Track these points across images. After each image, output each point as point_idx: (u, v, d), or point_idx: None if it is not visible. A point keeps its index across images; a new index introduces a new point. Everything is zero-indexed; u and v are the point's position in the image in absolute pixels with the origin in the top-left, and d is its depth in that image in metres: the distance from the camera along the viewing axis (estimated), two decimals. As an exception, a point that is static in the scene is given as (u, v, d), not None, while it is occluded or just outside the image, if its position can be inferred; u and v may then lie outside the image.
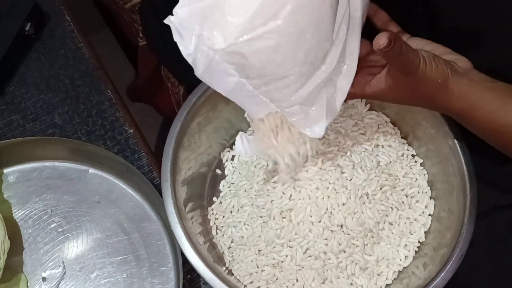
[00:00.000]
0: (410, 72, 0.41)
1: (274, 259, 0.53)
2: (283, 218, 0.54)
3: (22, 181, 0.55)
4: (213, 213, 0.58)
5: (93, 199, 0.54)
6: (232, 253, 0.55)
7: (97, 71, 0.64)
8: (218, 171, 0.61)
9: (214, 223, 0.57)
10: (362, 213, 0.54)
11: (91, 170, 0.55)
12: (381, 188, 0.55)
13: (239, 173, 0.60)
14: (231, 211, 0.57)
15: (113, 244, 0.52)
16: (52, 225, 0.53)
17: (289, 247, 0.53)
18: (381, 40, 0.38)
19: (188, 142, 0.55)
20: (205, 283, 0.50)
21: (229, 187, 0.59)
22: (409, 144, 0.59)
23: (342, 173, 0.55)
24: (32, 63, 0.64)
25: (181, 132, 0.53)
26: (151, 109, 0.91)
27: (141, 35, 0.86)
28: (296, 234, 0.53)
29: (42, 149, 0.56)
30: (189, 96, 0.55)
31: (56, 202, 0.54)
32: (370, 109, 0.61)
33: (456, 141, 0.52)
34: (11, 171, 0.56)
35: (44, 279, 0.51)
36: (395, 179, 0.56)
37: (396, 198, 0.55)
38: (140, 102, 0.92)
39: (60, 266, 0.51)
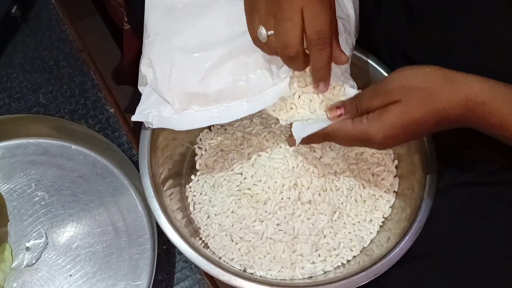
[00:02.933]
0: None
1: (246, 234, 0.56)
2: (256, 193, 0.57)
3: (7, 157, 0.58)
4: (190, 191, 0.61)
5: (75, 174, 0.57)
6: (207, 227, 0.58)
7: (80, 53, 0.66)
8: (197, 151, 0.64)
9: (192, 200, 0.60)
10: (331, 190, 0.57)
11: (74, 147, 0.58)
12: (348, 167, 0.58)
13: (215, 153, 0.63)
14: (207, 189, 0.60)
15: (93, 217, 0.55)
16: (36, 199, 0.56)
17: (261, 221, 0.56)
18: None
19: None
20: (180, 253, 0.53)
21: (206, 165, 0.62)
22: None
23: (313, 152, 0.58)
24: (18, 44, 0.66)
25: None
26: (137, 92, 0.93)
27: (126, 19, 0.88)
28: (266, 211, 0.56)
29: (26, 127, 0.58)
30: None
31: (39, 176, 0.57)
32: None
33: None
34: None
35: (27, 248, 0.53)
36: (363, 159, 0.60)
37: (363, 176, 0.58)
38: (125, 85, 0.94)
39: (43, 236, 0.54)
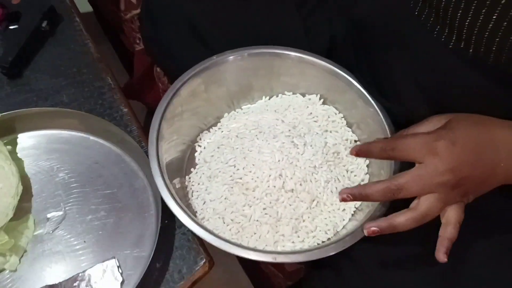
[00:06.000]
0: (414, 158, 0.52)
1: (236, 217, 0.65)
2: (246, 182, 0.66)
3: (33, 144, 0.67)
4: (189, 181, 0.70)
5: (91, 160, 0.66)
6: (203, 211, 0.67)
7: (99, 63, 0.77)
8: (197, 148, 0.73)
9: (190, 189, 0.69)
10: (310, 181, 0.66)
11: (91, 138, 0.68)
12: (326, 163, 0.68)
13: (213, 150, 0.72)
14: (204, 179, 0.70)
15: (106, 195, 0.64)
16: (57, 179, 0.65)
17: (249, 206, 0.65)
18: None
19: (171, 119, 0.67)
20: (180, 226, 0.62)
21: (204, 160, 0.72)
22: (353, 132, 0.73)
23: (296, 148, 0.68)
24: (46, 53, 0.77)
25: (166, 109, 0.66)
26: (143, 107, 1.04)
27: (137, 41, 0.99)
28: (254, 197, 0.65)
29: (51, 119, 0.68)
30: (174, 82, 0.68)
31: (61, 162, 0.66)
32: (323, 103, 0.75)
33: (389, 134, 0.65)
34: (25, 136, 0.68)
35: (48, 219, 0.62)
36: (339, 157, 0.69)
37: (338, 171, 0.68)
38: (133, 100, 1.05)
39: (61, 210, 0.63)
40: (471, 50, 0.53)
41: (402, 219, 0.52)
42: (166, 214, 0.60)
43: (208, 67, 0.70)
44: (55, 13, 0.79)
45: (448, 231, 0.51)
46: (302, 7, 0.73)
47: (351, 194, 0.54)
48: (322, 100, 0.74)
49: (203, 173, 0.70)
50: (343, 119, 0.74)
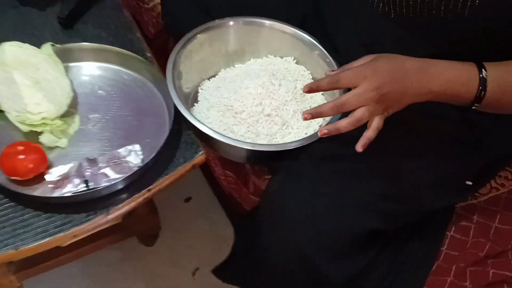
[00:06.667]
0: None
1: (227, 133, 0.88)
2: (236, 107, 0.90)
3: (82, 71, 0.91)
4: (193, 111, 0.94)
5: (123, 84, 0.90)
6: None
7: (132, 23, 1.02)
8: (199, 90, 0.97)
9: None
10: (282, 110, 0.90)
11: (123, 69, 0.92)
12: (295, 99, 0.92)
13: (211, 90, 0.96)
14: (205, 110, 0.93)
15: (133, 107, 0.88)
16: (96, 94, 0.89)
17: (237, 125, 0.88)
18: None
19: (184, 59, 0.92)
20: (185, 130, 0.85)
21: (204, 97, 0.95)
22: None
23: (274, 86, 0.92)
24: (93, 12, 1.02)
25: (181, 49, 0.91)
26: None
27: (157, 24, 1.25)
28: (241, 119, 0.89)
29: (95, 54, 0.92)
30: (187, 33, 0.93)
31: (100, 83, 0.90)
32: (296, 63, 1.00)
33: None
34: (75, 65, 0.92)
35: (89, 118, 0.85)
36: (304, 97, 0.94)
37: (303, 106, 0.92)
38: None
39: (99, 113, 0.86)
40: (392, 11, 0.79)
41: (343, 123, 0.76)
42: (176, 120, 0.84)
43: (213, 27, 0.95)
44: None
45: (369, 133, 0.75)
46: None
47: (310, 113, 0.77)
48: (295, 60, 1.00)
49: (204, 106, 0.94)
50: (310, 74, 0.98)
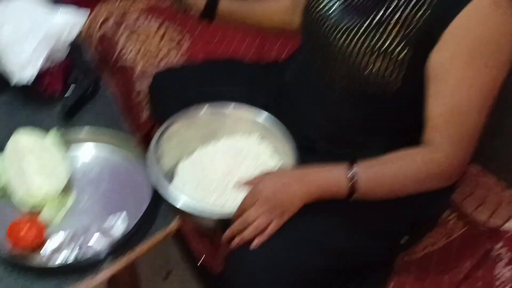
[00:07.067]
0: None
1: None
2: (208, 179, 1.06)
3: (79, 151, 1.10)
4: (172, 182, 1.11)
5: (112, 161, 1.08)
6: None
7: (121, 115, 1.22)
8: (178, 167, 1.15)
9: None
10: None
11: (114, 147, 1.10)
12: (257, 168, 1.08)
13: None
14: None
15: (120, 181, 1.05)
16: (90, 171, 1.06)
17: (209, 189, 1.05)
18: None
19: (164, 141, 1.10)
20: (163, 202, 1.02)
21: (181, 172, 1.12)
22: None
23: (239, 160, 1.09)
24: (90, 105, 1.22)
25: (162, 134, 1.09)
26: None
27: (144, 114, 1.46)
28: (212, 184, 1.06)
29: (91, 135, 1.11)
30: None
31: (96, 161, 1.08)
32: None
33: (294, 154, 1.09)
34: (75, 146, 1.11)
35: (83, 191, 1.02)
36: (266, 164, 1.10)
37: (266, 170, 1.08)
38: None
39: (91, 187, 1.03)
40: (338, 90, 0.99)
41: (246, 233, 0.92)
42: (155, 193, 1.01)
43: (188, 114, 1.15)
44: (98, 85, 1.26)
45: (265, 234, 0.92)
46: (251, 83, 1.21)
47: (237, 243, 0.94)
48: (260, 137, 1.17)
49: (180, 180, 1.09)
50: (271, 148, 1.16)
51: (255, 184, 0.95)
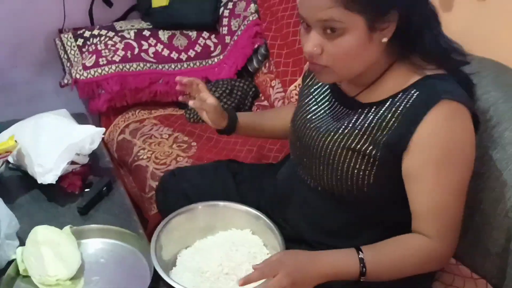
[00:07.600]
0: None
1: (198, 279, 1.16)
2: (204, 267, 1.19)
3: (89, 245, 1.24)
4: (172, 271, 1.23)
5: (115, 253, 1.22)
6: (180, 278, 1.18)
7: (131, 213, 1.37)
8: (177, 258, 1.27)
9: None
10: (237, 269, 1.18)
11: (120, 243, 1.25)
12: (248, 258, 1.20)
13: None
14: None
15: (123, 271, 1.18)
16: (98, 262, 1.20)
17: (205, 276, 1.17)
18: None
19: (165, 234, 1.24)
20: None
21: (181, 262, 1.25)
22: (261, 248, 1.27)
23: (232, 251, 1.22)
24: (103, 204, 1.38)
25: (163, 228, 1.24)
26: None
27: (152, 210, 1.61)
28: (207, 272, 1.17)
29: (99, 232, 1.26)
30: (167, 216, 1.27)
31: (104, 254, 1.22)
32: (252, 234, 1.31)
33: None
34: (86, 241, 1.25)
35: (91, 280, 1.15)
36: (256, 258, 1.22)
37: (255, 261, 1.19)
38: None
39: (98, 276, 1.16)
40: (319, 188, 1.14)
41: None
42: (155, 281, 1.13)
43: (188, 210, 1.30)
44: (111, 185, 1.44)
45: None
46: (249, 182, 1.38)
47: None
48: (251, 231, 1.31)
49: (180, 269, 1.22)
50: (262, 241, 1.28)
51: (275, 260, 1.03)
